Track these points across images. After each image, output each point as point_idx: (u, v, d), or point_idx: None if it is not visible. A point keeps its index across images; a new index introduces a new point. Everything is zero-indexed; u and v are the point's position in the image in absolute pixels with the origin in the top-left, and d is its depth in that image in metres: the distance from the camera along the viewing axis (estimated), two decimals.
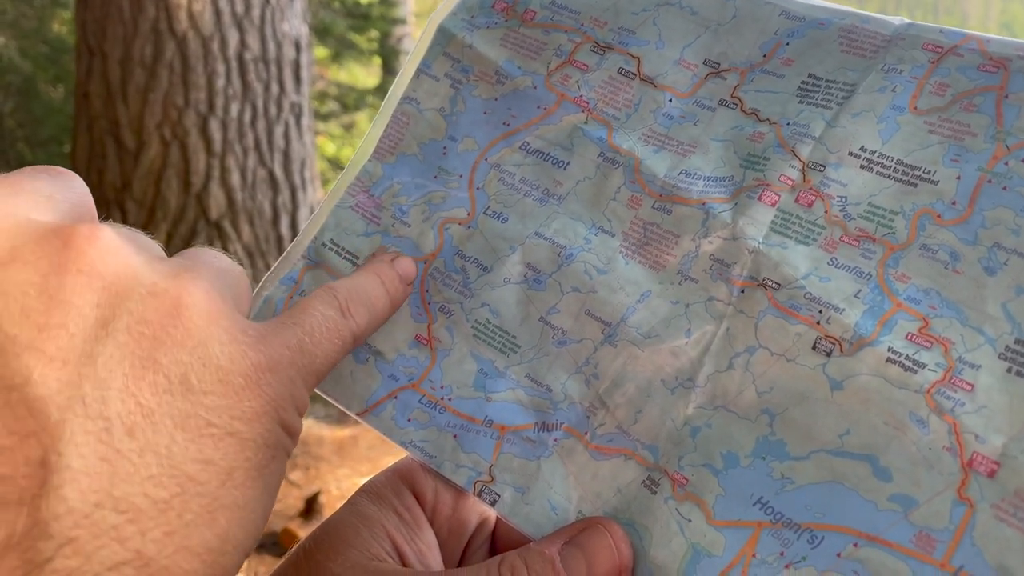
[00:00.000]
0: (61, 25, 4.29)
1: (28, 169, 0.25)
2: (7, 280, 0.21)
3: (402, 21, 4.74)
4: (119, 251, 0.23)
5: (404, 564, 0.32)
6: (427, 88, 0.39)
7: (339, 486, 2.14)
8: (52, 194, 0.24)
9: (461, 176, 0.38)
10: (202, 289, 0.24)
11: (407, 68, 0.40)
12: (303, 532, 1.90)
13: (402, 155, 0.39)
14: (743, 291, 0.32)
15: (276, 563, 0.32)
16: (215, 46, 2.37)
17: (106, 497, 0.21)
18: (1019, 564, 0.25)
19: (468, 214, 0.37)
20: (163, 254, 0.26)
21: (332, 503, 2.04)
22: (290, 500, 2.03)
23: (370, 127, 0.40)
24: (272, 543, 1.89)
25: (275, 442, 0.25)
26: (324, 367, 0.28)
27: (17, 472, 0.20)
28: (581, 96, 0.37)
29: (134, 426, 0.22)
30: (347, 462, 2.26)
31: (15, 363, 0.21)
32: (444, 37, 0.39)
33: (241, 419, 0.24)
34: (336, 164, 4.22)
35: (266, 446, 0.25)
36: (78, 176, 0.26)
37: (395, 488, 0.34)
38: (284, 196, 2.54)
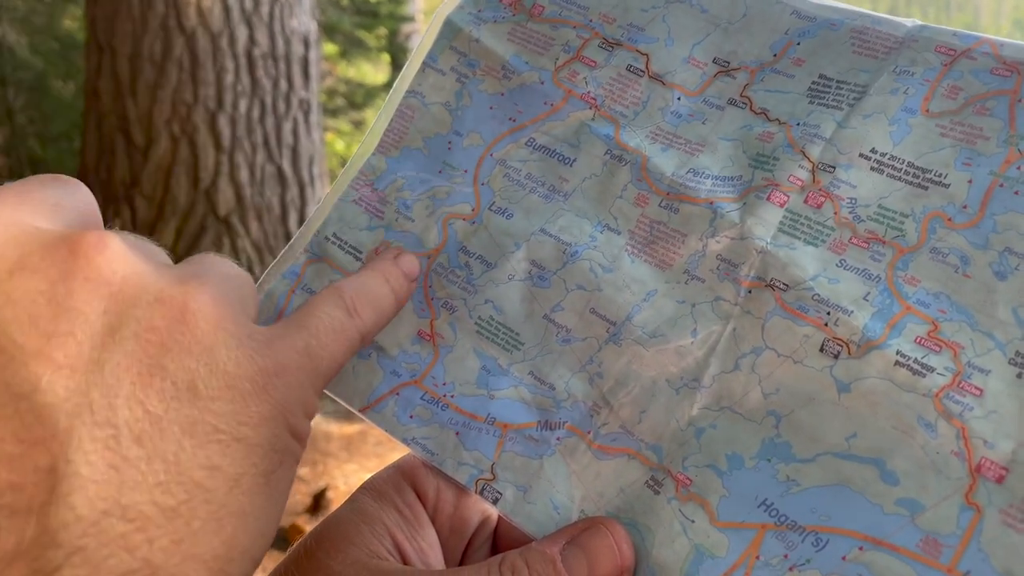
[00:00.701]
0: (72, 21, 4.30)
1: (34, 178, 0.25)
2: (15, 288, 0.21)
3: (410, 19, 4.75)
4: (126, 258, 0.23)
5: (405, 562, 0.32)
6: (433, 82, 0.39)
7: (347, 482, 2.14)
8: (58, 202, 0.25)
9: (466, 171, 0.37)
10: (208, 295, 0.24)
11: (413, 61, 0.39)
12: (310, 528, 1.90)
13: (406, 149, 0.38)
14: (750, 291, 0.32)
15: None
16: (224, 42, 2.37)
17: (114, 505, 0.21)
18: None
19: (473, 210, 0.37)
20: (169, 261, 0.26)
21: (340, 499, 2.04)
22: (298, 496, 2.03)
23: (374, 120, 0.39)
24: (280, 539, 1.90)
25: (283, 447, 0.25)
26: (332, 369, 0.28)
27: (26, 479, 0.20)
28: (589, 92, 0.37)
29: (142, 433, 0.22)
30: (355, 458, 2.26)
31: (23, 371, 0.21)
32: (451, 31, 0.39)
33: (248, 424, 0.24)
34: (345, 161, 4.22)
35: (273, 451, 0.24)
36: (83, 184, 0.26)
37: (397, 485, 0.34)
38: (293, 192, 2.55)
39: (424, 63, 0.39)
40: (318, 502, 2.03)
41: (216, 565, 0.23)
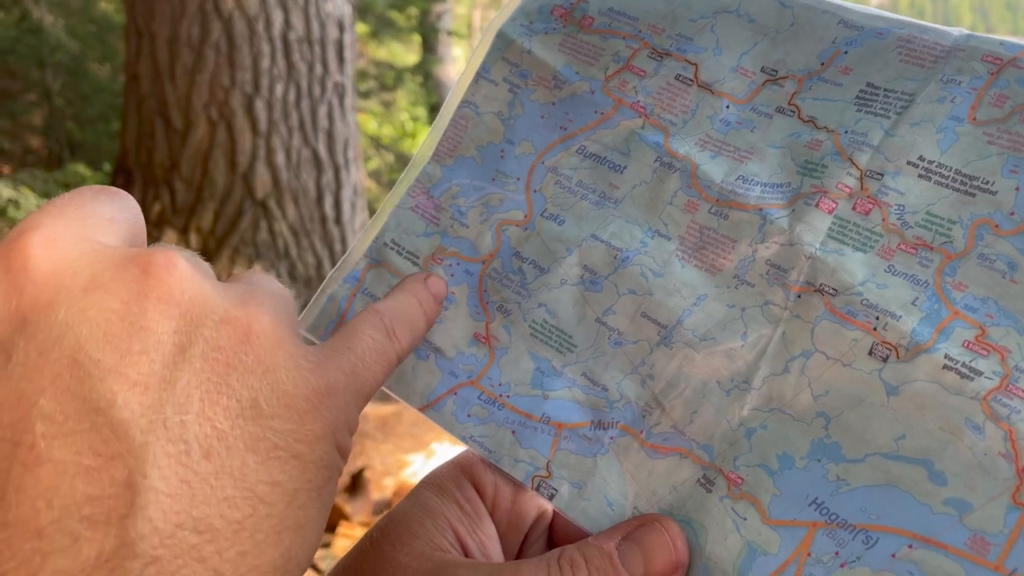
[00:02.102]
0: (108, 3, 4.35)
1: (87, 190, 0.26)
2: (90, 306, 0.23)
3: None
4: (192, 278, 0.24)
5: (466, 555, 0.33)
6: (486, 92, 0.40)
7: (383, 461, 2.17)
8: (113, 216, 0.26)
9: (519, 179, 0.38)
10: (268, 316, 0.25)
11: (466, 72, 0.41)
12: (348, 507, 1.94)
13: (461, 157, 0.40)
14: (800, 296, 0.32)
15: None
16: (260, 27, 2.39)
17: (187, 518, 0.22)
18: None
19: (525, 216, 0.38)
20: (215, 277, 0.27)
21: (376, 478, 2.08)
22: None
23: (430, 130, 0.41)
24: None
25: (331, 463, 0.26)
26: (373, 389, 0.29)
27: (104, 492, 0.21)
28: (638, 101, 0.37)
29: (210, 449, 0.23)
30: (391, 438, 2.29)
31: (100, 387, 0.22)
32: (503, 42, 0.40)
33: (303, 442, 0.25)
34: (377, 142, 4.24)
35: (324, 467, 0.26)
36: (130, 196, 0.27)
37: (457, 481, 0.35)
38: (328, 176, 2.57)
39: (477, 74, 0.40)
40: (356, 481, 2.07)
41: None
